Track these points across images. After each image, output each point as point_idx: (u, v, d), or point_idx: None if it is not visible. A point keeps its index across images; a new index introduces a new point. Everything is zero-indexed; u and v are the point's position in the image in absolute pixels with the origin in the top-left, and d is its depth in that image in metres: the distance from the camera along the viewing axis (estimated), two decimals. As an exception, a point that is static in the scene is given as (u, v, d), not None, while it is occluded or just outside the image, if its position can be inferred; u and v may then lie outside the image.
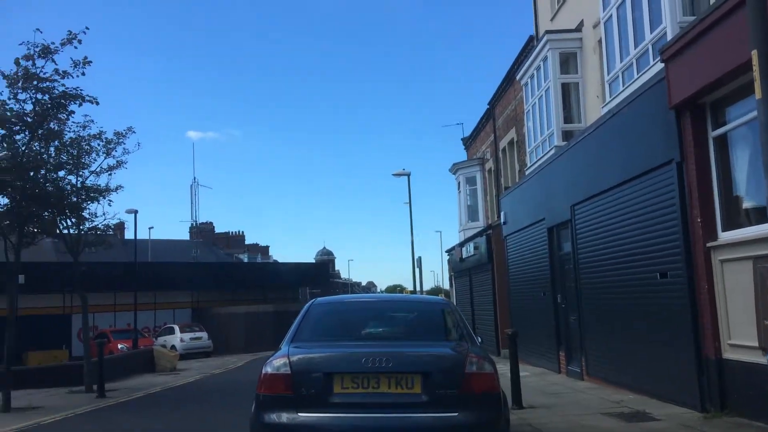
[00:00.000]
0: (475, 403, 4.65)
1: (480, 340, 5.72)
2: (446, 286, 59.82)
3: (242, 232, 66.78)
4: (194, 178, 57.61)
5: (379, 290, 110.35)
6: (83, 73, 13.86)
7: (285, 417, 4.67)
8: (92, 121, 15.56)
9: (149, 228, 56.69)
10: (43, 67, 13.46)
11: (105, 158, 16.10)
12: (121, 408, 12.63)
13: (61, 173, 15.23)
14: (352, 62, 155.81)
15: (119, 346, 28.22)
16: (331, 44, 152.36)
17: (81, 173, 15.77)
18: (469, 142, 28.13)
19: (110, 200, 16.53)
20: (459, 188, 26.01)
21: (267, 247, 73.07)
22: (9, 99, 13.44)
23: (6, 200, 14.03)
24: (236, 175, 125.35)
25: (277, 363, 4.85)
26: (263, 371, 4.90)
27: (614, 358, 10.41)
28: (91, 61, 13.85)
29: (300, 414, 4.65)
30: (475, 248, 22.14)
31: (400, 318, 6.09)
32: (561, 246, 13.35)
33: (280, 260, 61.60)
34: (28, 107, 13.65)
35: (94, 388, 15.17)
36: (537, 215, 14.57)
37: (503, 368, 7.49)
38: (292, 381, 4.72)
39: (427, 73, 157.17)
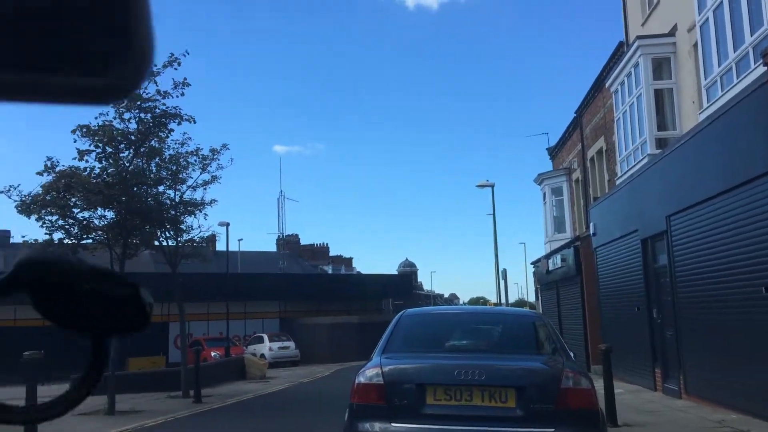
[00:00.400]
0: (572, 419, 4.57)
1: (572, 354, 5.61)
2: (531, 298, 58.64)
3: (326, 243, 67.84)
4: (281, 192, 58.82)
5: (461, 302, 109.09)
6: (182, 94, 14.59)
7: (378, 427, 4.72)
8: (189, 138, 16.27)
9: (239, 240, 58.61)
10: (146, 88, 14.26)
11: (201, 173, 16.81)
12: (217, 413, 13.13)
13: (161, 188, 16.02)
14: (433, 75, 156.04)
15: (212, 353, 29.25)
16: (410, 58, 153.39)
17: (179, 188, 16.54)
18: (554, 151, 27.56)
19: (205, 214, 17.23)
20: (544, 199, 25.49)
21: (350, 259, 73.67)
22: (115, 119, 14.34)
23: (112, 214, 14.89)
24: (320, 187, 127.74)
25: (370, 373, 4.92)
26: (356, 381, 4.97)
27: (715, 375, 9.90)
28: (189, 84, 14.56)
29: (393, 424, 4.69)
30: (563, 260, 21.62)
31: (491, 330, 6.05)
32: (656, 258, 12.85)
33: (364, 272, 62.13)
34: (132, 126, 14.50)
35: (191, 393, 15.82)
36: (629, 226, 14.09)
37: (596, 384, 7.26)
38: (385, 391, 4.77)
39: (510, 83, 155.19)
